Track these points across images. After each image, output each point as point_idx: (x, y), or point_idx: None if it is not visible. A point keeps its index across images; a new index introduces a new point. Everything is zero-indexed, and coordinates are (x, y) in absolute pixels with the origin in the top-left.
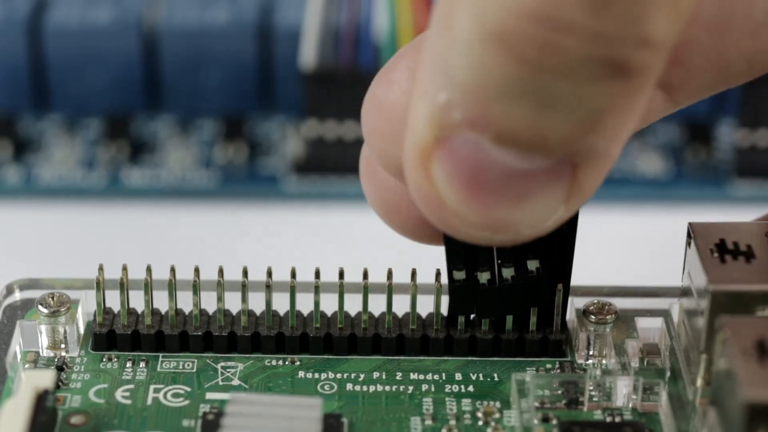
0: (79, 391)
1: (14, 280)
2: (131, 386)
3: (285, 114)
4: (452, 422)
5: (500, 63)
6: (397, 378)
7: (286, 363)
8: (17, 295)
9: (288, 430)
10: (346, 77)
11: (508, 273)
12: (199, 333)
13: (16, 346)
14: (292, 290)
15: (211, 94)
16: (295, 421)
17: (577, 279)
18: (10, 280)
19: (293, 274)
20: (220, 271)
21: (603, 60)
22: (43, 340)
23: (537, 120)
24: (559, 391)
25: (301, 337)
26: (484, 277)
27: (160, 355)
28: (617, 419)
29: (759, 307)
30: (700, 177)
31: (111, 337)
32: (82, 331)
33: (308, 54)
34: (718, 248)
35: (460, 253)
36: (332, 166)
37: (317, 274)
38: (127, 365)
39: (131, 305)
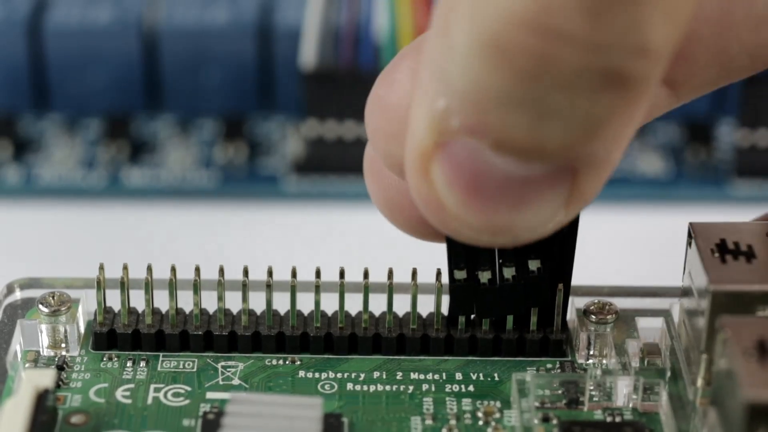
0: (79, 391)
1: (14, 279)
2: (131, 386)
3: (285, 114)
4: (452, 422)
5: (496, 73)
6: (398, 378)
7: (287, 362)
8: (18, 295)
9: (288, 429)
10: (346, 77)
11: (509, 273)
12: (200, 332)
13: (17, 346)
14: (293, 290)
15: (211, 94)
16: (296, 420)
17: (577, 279)
18: (11, 280)
19: (294, 274)
20: (221, 271)
21: (600, 71)
22: (44, 340)
23: (535, 129)
24: (560, 391)
25: (302, 337)
26: (485, 276)
27: (161, 354)
28: (617, 419)
29: (759, 307)
30: (700, 177)
31: (111, 336)
32: (82, 330)
33: (308, 54)
34: (718, 248)
35: (461, 252)
36: (332, 166)
37: (318, 273)
38: (128, 365)
39: (132, 305)
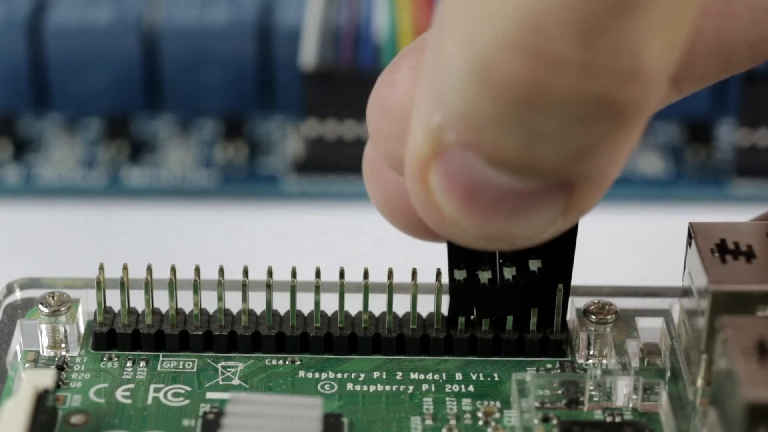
0: (79, 391)
1: (14, 279)
2: (131, 386)
3: (285, 114)
4: (452, 422)
5: (488, 97)
6: (398, 378)
7: (287, 362)
8: (17, 295)
9: (288, 429)
10: (346, 77)
11: (509, 273)
12: (200, 332)
13: (17, 346)
14: (293, 290)
15: (211, 94)
16: (296, 420)
17: (577, 279)
18: (11, 280)
19: (293, 274)
20: (221, 271)
21: (593, 98)
22: (44, 340)
23: (527, 149)
24: (560, 391)
25: (302, 337)
26: (485, 276)
27: (161, 354)
28: (617, 419)
29: (759, 307)
30: (700, 177)
31: (111, 336)
32: (82, 330)
33: (308, 54)
34: (718, 248)
35: (461, 252)
36: (332, 165)
37: (317, 273)
38: (128, 365)
39: (131, 305)
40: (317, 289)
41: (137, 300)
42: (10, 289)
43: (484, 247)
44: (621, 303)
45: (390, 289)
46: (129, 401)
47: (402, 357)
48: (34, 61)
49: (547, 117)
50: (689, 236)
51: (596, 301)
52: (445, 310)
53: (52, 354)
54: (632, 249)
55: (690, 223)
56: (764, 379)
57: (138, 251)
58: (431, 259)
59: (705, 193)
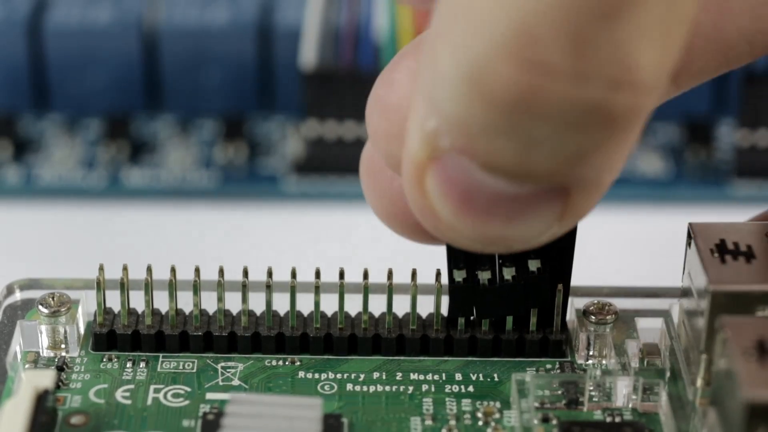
0: (79, 391)
1: (14, 280)
2: (131, 386)
3: (285, 114)
4: (452, 422)
5: (480, 105)
6: (397, 378)
7: (287, 363)
8: (17, 295)
9: (288, 430)
10: (346, 77)
11: (508, 273)
12: (200, 333)
13: (17, 346)
14: (293, 290)
15: (211, 94)
16: (295, 421)
17: (577, 279)
18: (11, 280)
19: (293, 274)
20: (221, 271)
21: (585, 105)
22: (44, 340)
23: (521, 155)
24: (559, 392)
25: (302, 338)
26: (484, 276)
27: (161, 355)
28: (617, 419)
29: (759, 307)
30: (700, 177)
31: (111, 337)
32: (82, 331)
33: (308, 54)
34: (718, 248)
35: (460, 253)
36: (332, 166)
37: (317, 274)
38: (128, 365)
39: (131, 305)
40: (317, 289)
41: (137, 301)
42: (10, 290)
43: (482, 250)
44: (621, 303)
45: (390, 289)
46: (129, 402)
47: (402, 357)
48: (34, 61)
49: (539, 124)
50: (689, 236)
51: (596, 301)
52: (444, 310)
53: (52, 355)
54: (632, 249)
55: (690, 224)
56: (764, 379)
57: (138, 252)
58: (431, 260)
59: (705, 194)
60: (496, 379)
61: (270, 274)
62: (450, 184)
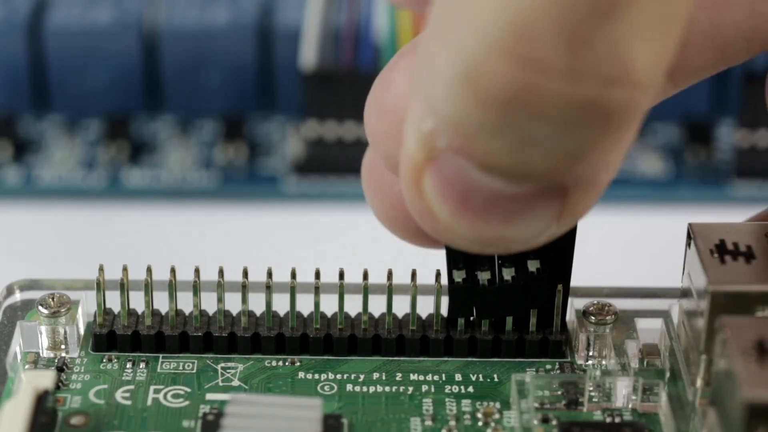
0: (79, 392)
1: (14, 280)
2: (131, 387)
3: (285, 114)
4: (452, 423)
5: (476, 104)
6: (397, 379)
7: (286, 364)
8: (17, 296)
9: (288, 430)
10: (346, 77)
11: (508, 273)
12: (199, 334)
13: (17, 347)
14: (292, 291)
15: (211, 95)
16: (295, 421)
17: (577, 280)
18: (11, 281)
19: (293, 275)
20: (220, 272)
21: (581, 103)
22: (44, 341)
23: (518, 154)
24: (559, 392)
25: (301, 338)
26: (484, 277)
27: (160, 355)
28: (617, 420)
29: (759, 307)
30: (700, 177)
31: (111, 337)
32: (82, 331)
33: (308, 54)
34: (718, 249)
35: (460, 253)
36: (332, 166)
37: (317, 274)
38: (127, 366)
39: (131, 306)
40: (317, 290)
41: (137, 301)
42: (9, 291)
43: (480, 251)
44: (620, 304)
45: (389, 290)
46: (129, 402)
47: (402, 358)
48: (34, 61)
49: (536, 122)
50: (688, 237)
51: (596, 301)
52: (444, 311)
53: (51, 355)
54: (632, 249)
55: (689, 224)
56: (764, 379)
57: (138, 252)
58: (431, 260)
59: (705, 194)
60: (496, 379)
61: (270, 274)
62: (447, 185)
